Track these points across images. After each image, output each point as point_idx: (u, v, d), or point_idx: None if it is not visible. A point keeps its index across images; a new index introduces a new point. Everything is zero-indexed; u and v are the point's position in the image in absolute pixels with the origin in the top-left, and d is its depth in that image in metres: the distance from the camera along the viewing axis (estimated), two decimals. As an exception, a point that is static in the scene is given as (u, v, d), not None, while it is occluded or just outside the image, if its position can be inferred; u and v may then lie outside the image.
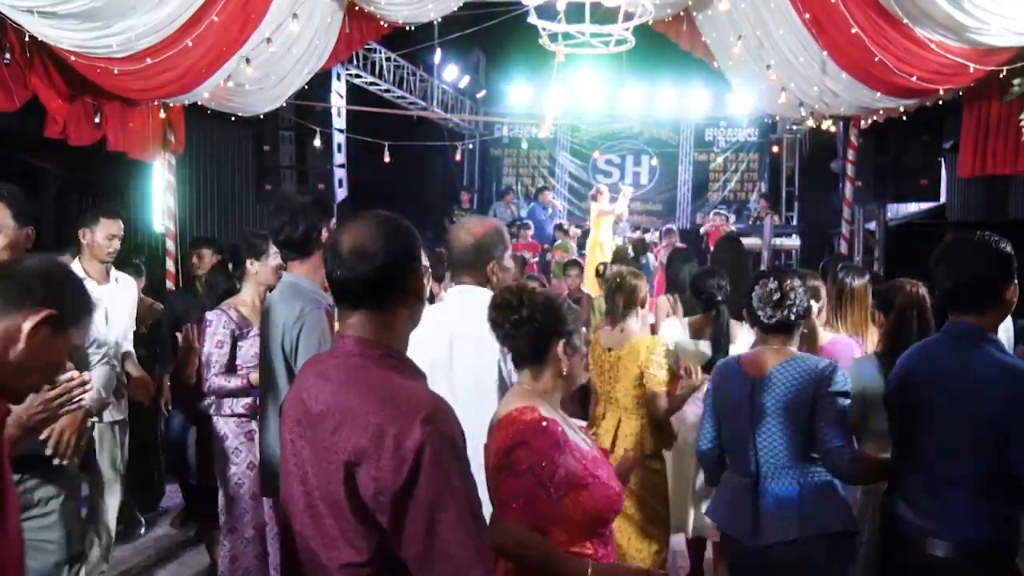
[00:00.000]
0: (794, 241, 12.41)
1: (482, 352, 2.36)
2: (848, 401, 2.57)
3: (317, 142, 8.87)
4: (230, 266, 4.01)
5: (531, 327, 2.05)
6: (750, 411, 2.59)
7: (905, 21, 5.47)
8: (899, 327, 2.94)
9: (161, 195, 7.59)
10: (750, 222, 13.44)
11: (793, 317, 2.63)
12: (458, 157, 14.14)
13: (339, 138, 9.36)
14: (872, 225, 9.54)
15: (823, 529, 2.52)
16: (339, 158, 9.31)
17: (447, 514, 1.39)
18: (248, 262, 3.67)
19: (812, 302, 3.14)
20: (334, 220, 2.81)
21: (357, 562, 1.45)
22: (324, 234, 2.76)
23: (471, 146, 15.31)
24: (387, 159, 9.81)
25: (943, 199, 9.65)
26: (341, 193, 9.26)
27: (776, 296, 2.60)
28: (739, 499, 2.64)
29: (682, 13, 7.95)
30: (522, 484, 1.93)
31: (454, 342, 2.47)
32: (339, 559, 1.46)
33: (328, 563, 1.48)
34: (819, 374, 2.53)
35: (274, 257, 3.62)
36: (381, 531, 1.43)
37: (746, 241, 12.02)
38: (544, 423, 1.98)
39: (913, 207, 10.54)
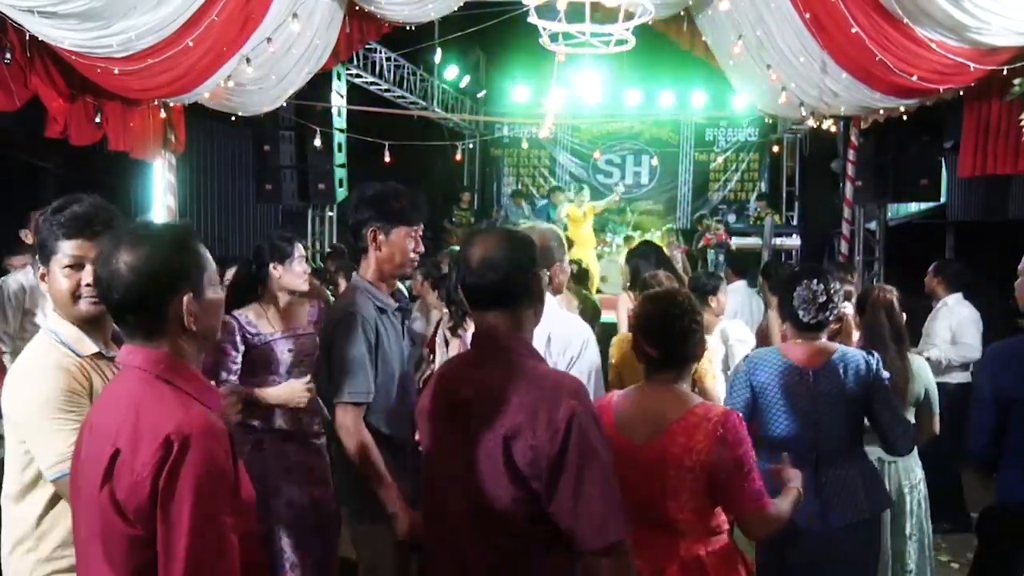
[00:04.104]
0: (794, 241, 12.40)
1: None
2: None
3: (317, 142, 8.87)
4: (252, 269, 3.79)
5: (696, 332, 2.22)
6: (810, 400, 2.73)
7: (905, 21, 5.46)
8: (873, 327, 3.24)
9: (161, 195, 7.59)
10: (750, 222, 13.43)
11: (831, 318, 2.84)
12: (458, 157, 14.14)
13: (339, 138, 9.36)
14: (872, 225, 9.54)
15: (880, 508, 2.80)
16: (339, 158, 9.31)
17: (591, 474, 1.66)
18: (271, 266, 3.43)
19: (847, 304, 3.41)
20: (402, 227, 2.59)
21: (510, 518, 1.72)
22: (373, 235, 2.59)
23: (471, 146, 15.31)
24: (387, 159, 9.81)
25: (943, 199, 9.64)
26: (341, 193, 9.26)
27: (822, 299, 2.76)
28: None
29: (682, 13, 7.95)
30: (756, 471, 2.12)
31: None
32: (494, 519, 1.73)
33: (490, 519, 1.74)
34: (871, 365, 2.76)
35: (299, 262, 3.45)
36: (532, 492, 1.69)
37: (746, 241, 12.14)
38: (734, 413, 2.15)
39: (913, 207, 10.54)
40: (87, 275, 1.93)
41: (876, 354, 2.84)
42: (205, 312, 1.57)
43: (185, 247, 1.56)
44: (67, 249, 1.94)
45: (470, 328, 3.12)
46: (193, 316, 1.53)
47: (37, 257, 2.00)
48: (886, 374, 2.82)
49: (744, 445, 2.10)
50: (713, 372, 3.75)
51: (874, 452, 3.11)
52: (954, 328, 5.11)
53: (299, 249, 3.48)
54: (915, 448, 3.30)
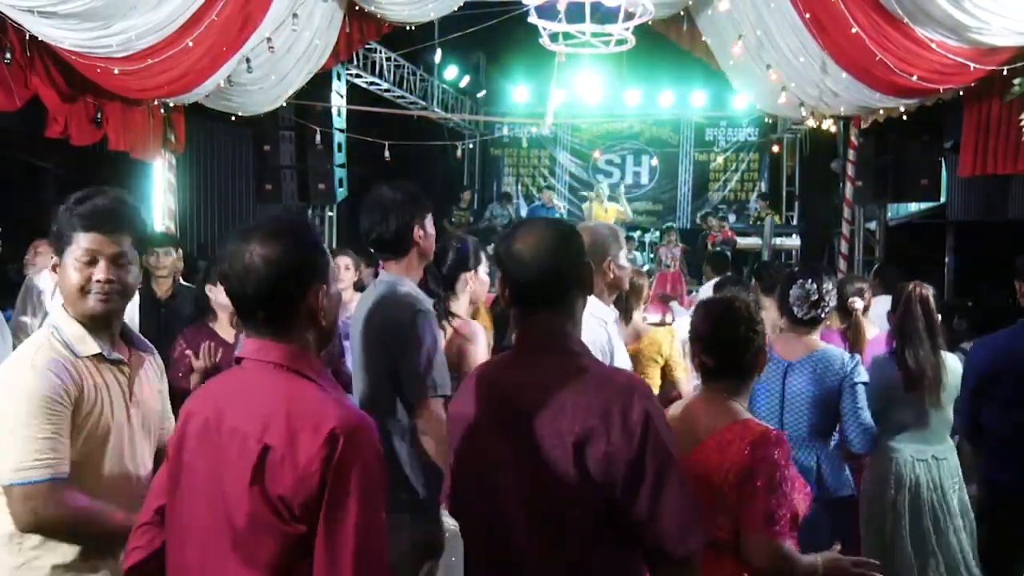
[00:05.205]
0: (794, 241, 12.41)
1: None
2: (865, 388, 2.98)
3: (317, 142, 8.87)
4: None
5: (753, 341, 2.11)
6: (780, 390, 2.97)
7: (906, 21, 5.47)
8: (907, 321, 3.27)
9: (161, 195, 7.59)
10: (750, 222, 13.44)
11: (823, 315, 3.04)
12: (459, 156, 14.15)
13: (339, 138, 9.36)
14: (872, 225, 9.54)
15: (834, 493, 2.94)
16: (339, 158, 9.30)
17: (670, 480, 1.57)
18: None
19: (859, 300, 3.61)
20: (429, 216, 2.66)
21: (578, 525, 1.60)
22: (417, 231, 2.61)
23: (471, 146, 15.31)
24: (387, 159, 9.81)
25: (943, 199, 9.65)
26: (341, 193, 9.26)
27: (814, 297, 2.98)
28: None
29: (682, 13, 7.95)
30: (779, 499, 1.96)
31: None
32: (560, 527, 1.61)
33: (557, 526, 1.62)
34: (845, 366, 2.95)
35: None
36: (603, 497, 1.58)
37: (746, 241, 12.15)
38: (774, 434, 2.02)
39: (913, 207, 10.55)
40: (100, 271, 1.87)
41: (858, 356, 3.04)
42: (332, 305, 1.57)
43: (314, 241, 1.56)
44: (83, 242, 1.87)
45: (456, 322, 3.09)
46: (323, 310, 1.53)
47: (54, 248, 1.92)
48: (864, 377, 2.97)
49: (773, 469, 1.96)
50: (685, 365, 3.80)
51: (927, 450, 3.26)
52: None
53: None
54: (954, 446, 3.42)
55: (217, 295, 3.66)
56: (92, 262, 1.87)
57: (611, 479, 1.56)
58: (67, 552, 1.84)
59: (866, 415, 2.96)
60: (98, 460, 1.88)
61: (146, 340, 2.12)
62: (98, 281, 1.87)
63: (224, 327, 3.71)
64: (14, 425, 1.76)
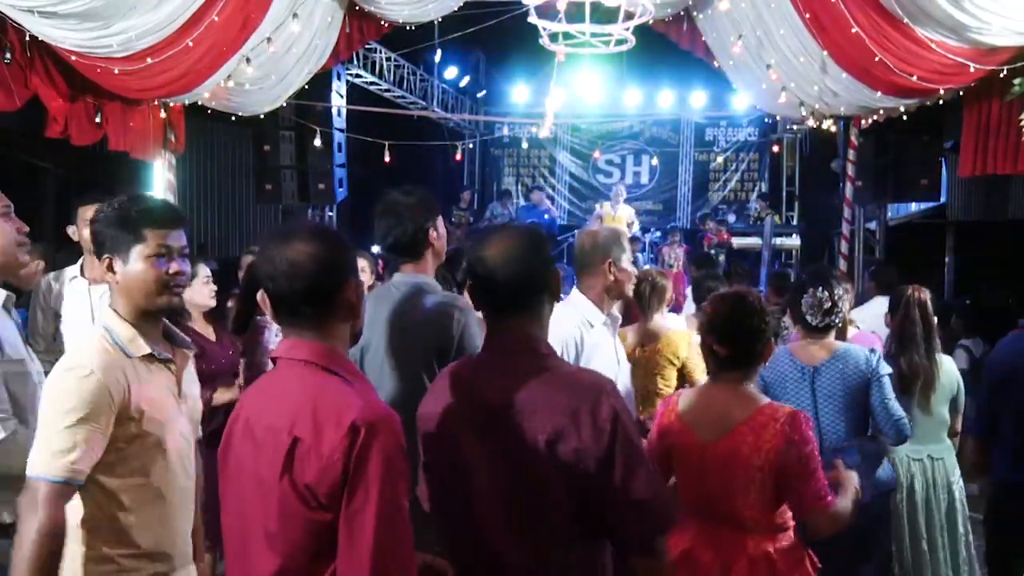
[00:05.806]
0: (794, 241, 12.40)
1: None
2: (890, 378, 3.03)
3: (317, 142, 8.87)
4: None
5: (765, 332, 2.27)
6: (812, 396, 3.00)
7: (905, 21, 5.47)
8: (906, 325, 3.36)
9: (161, 195, 7.58)
10: (750, 222, 13.43)
11: (838, 321, 3.07)
12: (458, 157, 14.15)
13: (339, 138, 9.35)
14: (872, 225, 9.54)
15: (883, 488, 3.06)
16: (339, 158, 9.30)
17: (637, 473, 1.64)
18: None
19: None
20: (440, 217, 2.73)
21: (552, 521, 1.67)
22: (432, 233, 2.66)
23: (471, 146, 15.31)
24: (387, 159, 9.81)
25: (943, 199, 9.65)
26: (341, 193, 9.26)
27: (827, 305, 3.02)
28: None
29: (682, 13, 7.95)
30: (819, 471, 2.15)
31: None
32: (535, 523, 1.68)
33: (531, 523, 1.68)
34: (870, 361, 3.00)
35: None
36: (576, 493, 1.64)
37: (746, 241, 12.14)
38: (801, 412, 2.19)
39: (913, 207, 10.55)
40: (175, 264, 1.97)
41: (877, 350, 3.06)
42: (360, 297, 1.67)
43: (346, 241, 1.68)
44: (157, 238, 1.95)
45: None
46: (358, 301, 1.63)
47: (104, 249, 1.95)
48: (888, 369, 3.00)
49: (810, 444, 2.15)
50: (703, 367, 3.80)
51: (923, 450, 3.38)
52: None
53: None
54: (952, 447, 3.50)
55: (192, 296, 3.70)
56: (165, 257, 1.96)
57: (583, 474, 1.62)
58: (134, 546, 1.91)
59: (895, 405, 2.99)
60: (158, 458, 1.94)
61: (184, 335, 2.16)
62: (174, 274, 1.97)
63: (200, 325, 3.76)
64: (54, 423, 1.82)
